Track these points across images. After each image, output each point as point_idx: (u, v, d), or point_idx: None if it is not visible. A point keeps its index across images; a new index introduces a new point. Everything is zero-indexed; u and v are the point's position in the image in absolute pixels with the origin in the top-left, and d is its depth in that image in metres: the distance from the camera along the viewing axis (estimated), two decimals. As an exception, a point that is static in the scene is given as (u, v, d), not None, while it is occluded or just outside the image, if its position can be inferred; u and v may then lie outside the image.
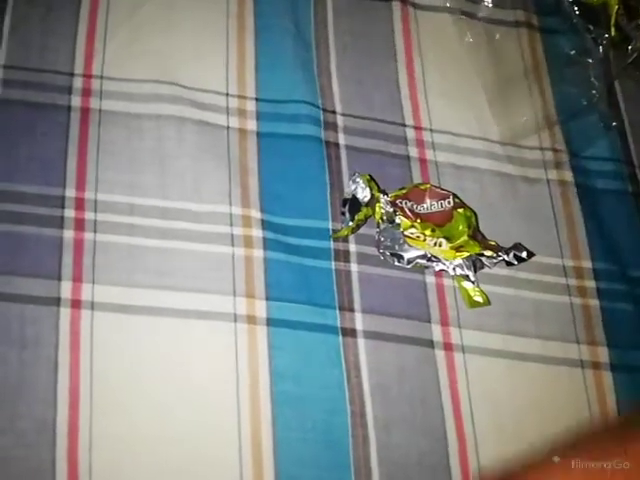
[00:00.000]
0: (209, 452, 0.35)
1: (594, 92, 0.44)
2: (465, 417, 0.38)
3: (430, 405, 0.38)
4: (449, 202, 0.39)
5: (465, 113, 0.44)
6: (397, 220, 0.38)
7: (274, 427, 0.35)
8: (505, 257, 0.38)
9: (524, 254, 0.38)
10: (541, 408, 0.39)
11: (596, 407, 0.39)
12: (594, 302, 0.41)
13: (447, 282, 0.40)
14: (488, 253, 0.38)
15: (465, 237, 0.37)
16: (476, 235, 0.38)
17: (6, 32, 0.41)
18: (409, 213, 0.38)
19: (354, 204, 0.38)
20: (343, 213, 0.39)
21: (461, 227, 0.38)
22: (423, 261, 0.38)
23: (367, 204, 0.38)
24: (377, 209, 0.38)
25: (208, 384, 0.36)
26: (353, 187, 0.38)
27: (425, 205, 0.38)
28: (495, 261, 0.38)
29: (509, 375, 0.39)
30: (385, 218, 0.38)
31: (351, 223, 0.38)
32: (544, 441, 0.37)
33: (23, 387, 0.34)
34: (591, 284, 0.42)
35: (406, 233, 0.38)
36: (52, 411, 0.34)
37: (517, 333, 0.39)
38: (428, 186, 0.39)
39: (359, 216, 0.38)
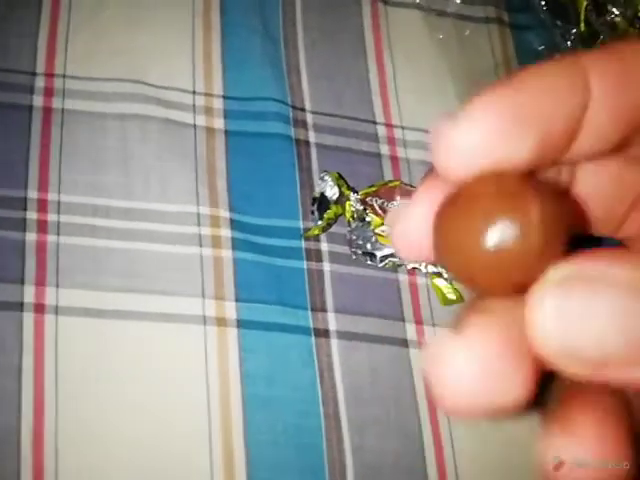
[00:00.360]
0: (180, 457, 0.34)
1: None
2: (440, 416, 0.37)
3: (405, 405, 0.37)
4: (420, 199, 0.38)
5: (436, 109, 0.44)
6: (367, 218, 0.37)
7: (245, 431, 0.35)
8: None
9: None
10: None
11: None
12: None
13: (420, 280, 0.39)
14: None
15: None
16: None
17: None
18: (380, 211, 0.37)
19: (323, 203, 0.37)
20: (313, 212, 0.38)
21: None
22: (395, 259, 0.38)
23: (336, 202, 0.37)
24: (347, 207, 0.38)
25: (177, 388, 0.35)
26: (322, 185, 0.37)
27: (395, 202, 0.38)
28: None
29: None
30: (355, 216, 0.38)
31: (320, 222, 0.37)
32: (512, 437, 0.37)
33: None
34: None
35: (377, 231, 0.37)
36: (16, 419, 0.33)
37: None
38: (398, 183, 0.39)
39: (328, 215, 0.37)
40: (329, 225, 0.38)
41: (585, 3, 0.48)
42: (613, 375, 0.13)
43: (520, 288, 0.15)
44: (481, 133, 0.15)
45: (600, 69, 0.16)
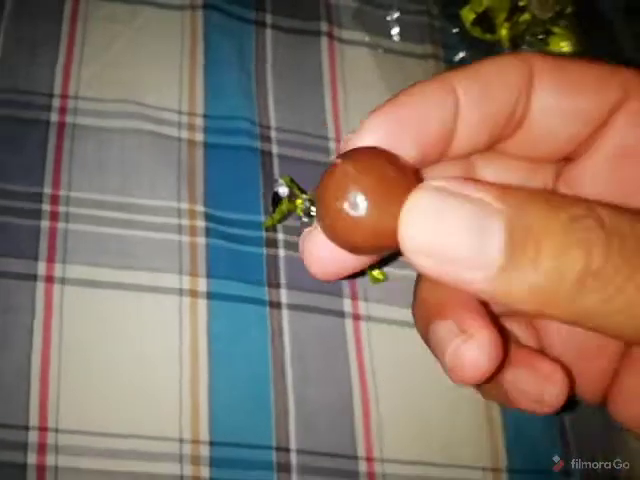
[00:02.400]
0: (155, 395, 0.41)
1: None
2: (367, 373, 0.44)
3: (339, 363, 0.44)
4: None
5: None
6: (313, 214, 0.44)
7: (210, 378, 0.42)
8: None
9: None
10: (428, 365, 0.45)
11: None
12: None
13: (357, 265, 0.47)
14: None
15: None
16: None
17: (-3, 61, 0.48)
18: None
19: (276, 200, 0.45)
20: (272, 209, 0.45)
21: None
22: None
23: (288, 200, 0.44)
24: (298, 204, 0.45)
25: (157, 344, 0.42)
26: (276, 186, 0.45)
27: None
28: None
29: (404, 339, 0.45)
30: (305, 212, 0.45)
31: (273, 215, 0.44)
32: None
33: (4, 344, 0.40)
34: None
35: None
36: (27, 364, 0.40)
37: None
38: None
39: (279, 209, 0.44)
40: (283, 218, 0.45)
41: (508, 44, 0.56)
42: (455, 275, 0.16)
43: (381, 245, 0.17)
44: (374, 140, 0.19)
45: (465, 86, 0.20)
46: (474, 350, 0.19)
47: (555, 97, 0.21)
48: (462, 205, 0.15)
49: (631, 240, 0.15)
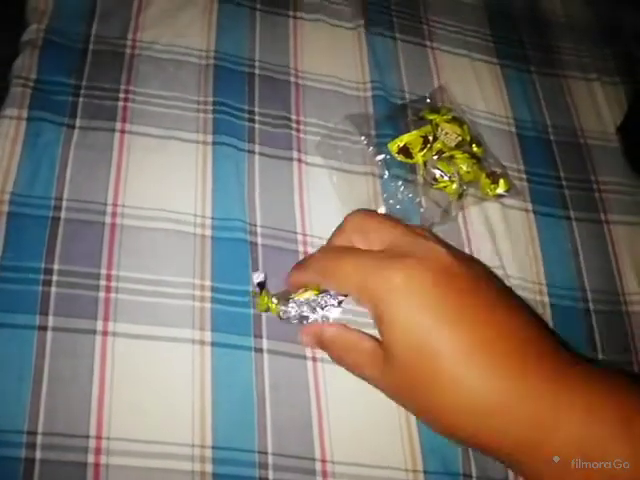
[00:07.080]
0: (175, 415, 0.53)
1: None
2: (322, 400, 0.55)
3: (302, 392, 0.56)
4: (312, 277, 0.59)
5: (332, 223, 0.65)
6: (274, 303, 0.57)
7: (213, 402, 0.53)
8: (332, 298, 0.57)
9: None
10: (365, 393, 0.58)
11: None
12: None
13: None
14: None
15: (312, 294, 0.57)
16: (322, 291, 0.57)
17: (68, 178, 0.61)
18: (283, 300, 0.57)
19: (260, 285, 0.57)
20: (258, 287, 0.58)
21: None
22: (301, 313, 0.58)
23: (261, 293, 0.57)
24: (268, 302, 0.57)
25: (177, 378, 0.54)
26: (255, 275, 0.58)
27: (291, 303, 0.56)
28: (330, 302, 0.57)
29: (348, 376, 0.58)
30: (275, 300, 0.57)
31: (259, 308, 0.57)
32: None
33: (73, 382, 0.52)
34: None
35: (281, 310, 0.56)
36: (89, 393, 0.51)
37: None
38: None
39: (260, 308, 0.57)
40: (267, 310, 0.58)
41: (423, 166, 0.71)
42: None
43: None
44: None
45: None
46: None
47: None
48: None
49: None
